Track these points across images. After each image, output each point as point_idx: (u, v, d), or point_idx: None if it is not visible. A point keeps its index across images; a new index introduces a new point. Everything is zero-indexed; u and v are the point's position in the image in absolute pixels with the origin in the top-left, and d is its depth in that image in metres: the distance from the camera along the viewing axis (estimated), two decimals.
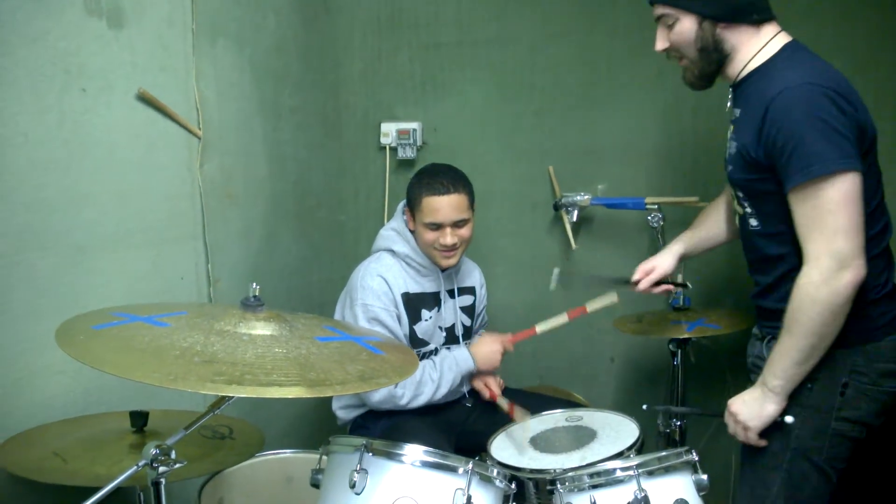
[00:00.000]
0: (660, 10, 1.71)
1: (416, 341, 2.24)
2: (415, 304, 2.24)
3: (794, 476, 1.59)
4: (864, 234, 1.49)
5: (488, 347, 2.24)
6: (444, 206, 2.14)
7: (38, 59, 1.67)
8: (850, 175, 1.47)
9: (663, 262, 2.03)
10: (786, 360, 1.54)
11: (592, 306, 2.18)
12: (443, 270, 2.30)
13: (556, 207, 2.72)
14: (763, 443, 1.62)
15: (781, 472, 1.60)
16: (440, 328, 2.30)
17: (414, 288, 2.24)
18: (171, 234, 2.05)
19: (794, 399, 1.58)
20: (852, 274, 1.46)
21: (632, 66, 2.66)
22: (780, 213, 1.58)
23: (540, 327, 2.24)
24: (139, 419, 1.59)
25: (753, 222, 1.67)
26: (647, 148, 2.68)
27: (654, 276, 2.02)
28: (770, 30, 1.65)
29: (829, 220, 1.47)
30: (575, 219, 2.69)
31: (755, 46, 1.64)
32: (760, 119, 1.54)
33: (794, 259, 1.58)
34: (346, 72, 2.90)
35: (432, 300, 2.28)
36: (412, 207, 2.22)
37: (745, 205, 1.68)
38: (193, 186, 2.12)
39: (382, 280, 2.18)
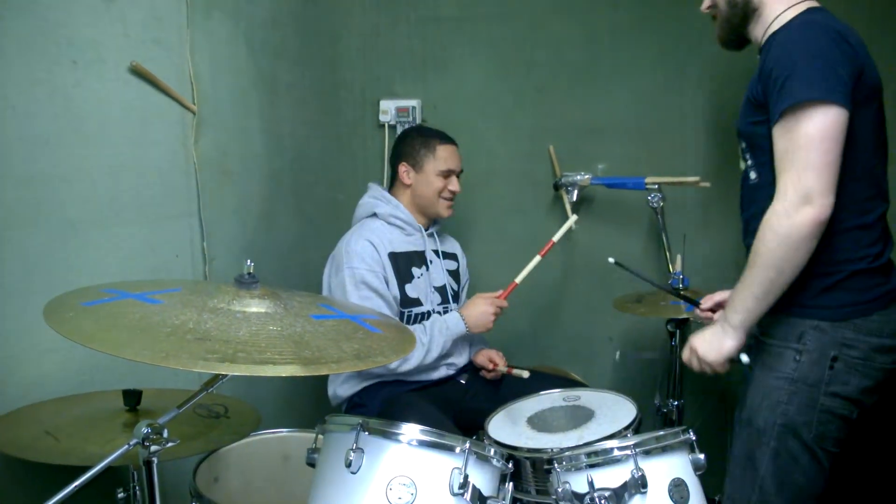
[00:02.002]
0: None
1: (407, 301, 2.24)
2: (403, 263, 2.25)
3: (782, 455, 1.59)
4: (837, 173, 1.47)
5: (479, 309, 2.22)
6: (455, 153, 2.35)
7: (28, 30, 1.63)
8: (832, 109, 1.45)
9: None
10: (745, 293, 1.56)
11: (557, 236, 2.28)
12: (426, 229, 2.35)
13: (556, 187, 2.70)
14: (723, 369, 1.63)
15: (769, 449, 1.59)
16: (433, 288, 2.30)
17: (401, 247, 2.27)
18: (165, 210, 2.02)
19: (781, 371, 1.58)
20: (815, 211, 1.45)
21: (634, 43, 2.62)
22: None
23: (519, 278, 2.26)
24: (132, 398, 1.57)
25: (752, 175, 1.66)
26: (648, 127, 2.66)
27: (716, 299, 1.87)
28: None
29: (802, 154, 1.46)
30: (575, 198, 2.67)
31: (780, 7, 1.61)
32: (763, 57, 1.57)
33: None
34: (343, 47, 2.85)
35: (419, 258, 2.31)
36: (416, 160, 2.31)
37: (747, 156, 1.67)
38: (188, 162, 2.08)
39: (368, 242, 2.20)
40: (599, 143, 2.70)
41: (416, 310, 2.26)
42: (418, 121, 2.83)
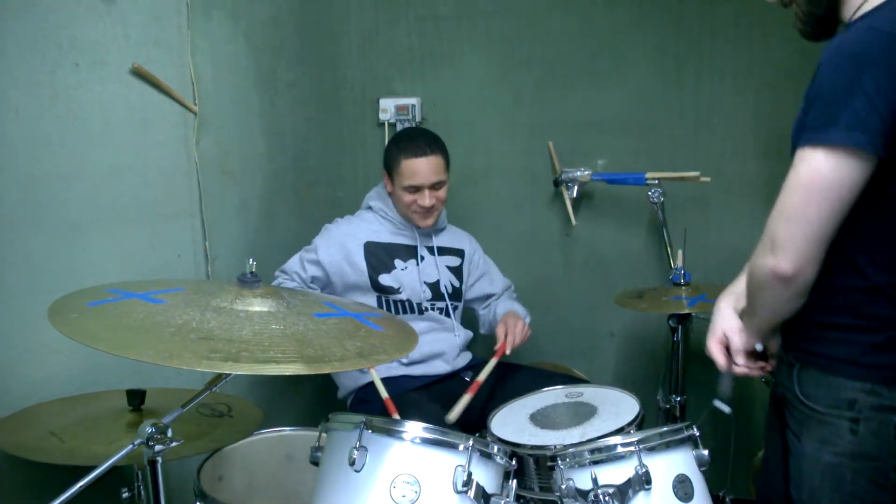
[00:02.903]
0: None
1: (380, 287, 2.28)
2: (382, 253, 2.28)
3: None
4: (819, 230, 1.23)
5: None
6: (423, 168, 2.23)
7: (29, 33, 1.63)
8: (835, 155, 1.19)
9: None
10: None
11: (482, 376, 2.14)
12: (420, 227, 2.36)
13: (556, 183, 2.70)
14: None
15: None
16: (425, 283, 2.31)
17: (385, 238, 2.31)
18: (167, 210, 2.03)
19: (837, 446, 1.33)
20: (773, 262, 1.26)
21: (633, 38, 2.62)
22: None
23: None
24: (136, 398, 1.57)
25: None
26: (648, 122, 2.65)
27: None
28: None
29: (784, 196, 1.25)
30: (575, 195, 2.67)
31: None
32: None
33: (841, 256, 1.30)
34: (343, 45, 2.85)
35: (406, 252, 2.33)
36: (390, 170, 2.30)
37: None
38: (190, 162, 2.09)
39: (344, 226, 2.31)
40: (599, 139, 2.69)
41: (393, 297, 2.29)
42: (418, 118, 2.83)
